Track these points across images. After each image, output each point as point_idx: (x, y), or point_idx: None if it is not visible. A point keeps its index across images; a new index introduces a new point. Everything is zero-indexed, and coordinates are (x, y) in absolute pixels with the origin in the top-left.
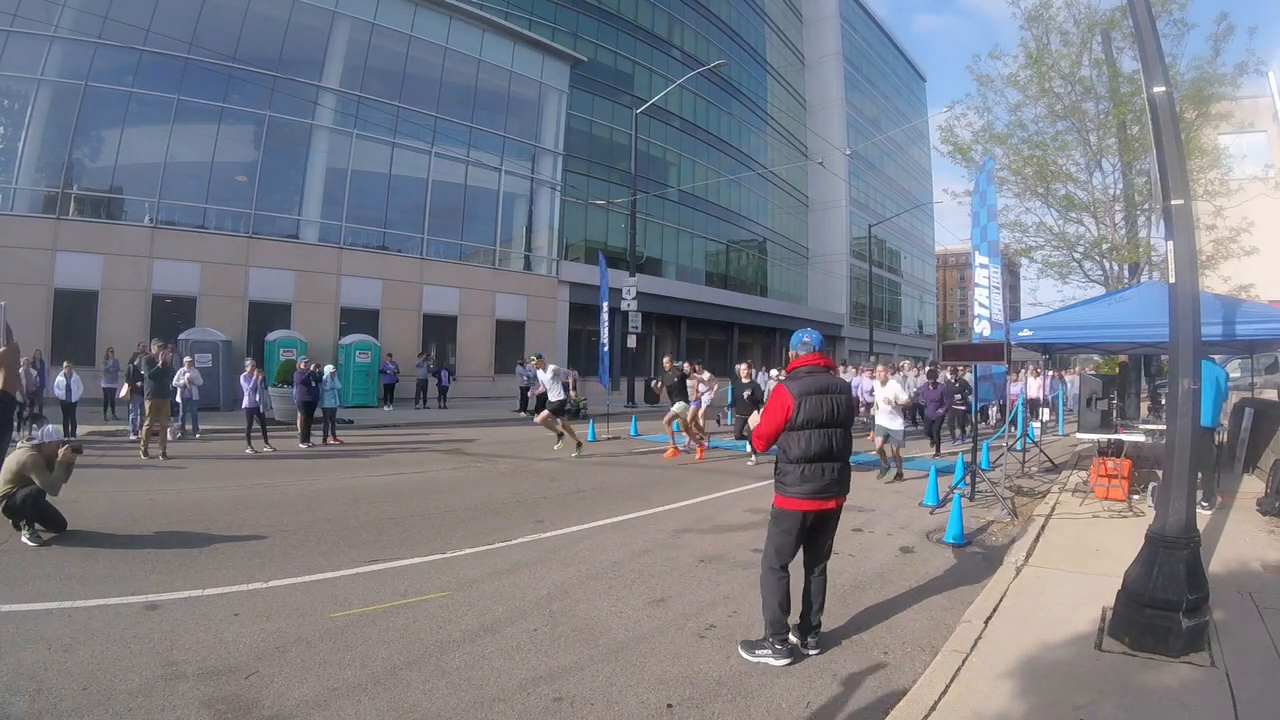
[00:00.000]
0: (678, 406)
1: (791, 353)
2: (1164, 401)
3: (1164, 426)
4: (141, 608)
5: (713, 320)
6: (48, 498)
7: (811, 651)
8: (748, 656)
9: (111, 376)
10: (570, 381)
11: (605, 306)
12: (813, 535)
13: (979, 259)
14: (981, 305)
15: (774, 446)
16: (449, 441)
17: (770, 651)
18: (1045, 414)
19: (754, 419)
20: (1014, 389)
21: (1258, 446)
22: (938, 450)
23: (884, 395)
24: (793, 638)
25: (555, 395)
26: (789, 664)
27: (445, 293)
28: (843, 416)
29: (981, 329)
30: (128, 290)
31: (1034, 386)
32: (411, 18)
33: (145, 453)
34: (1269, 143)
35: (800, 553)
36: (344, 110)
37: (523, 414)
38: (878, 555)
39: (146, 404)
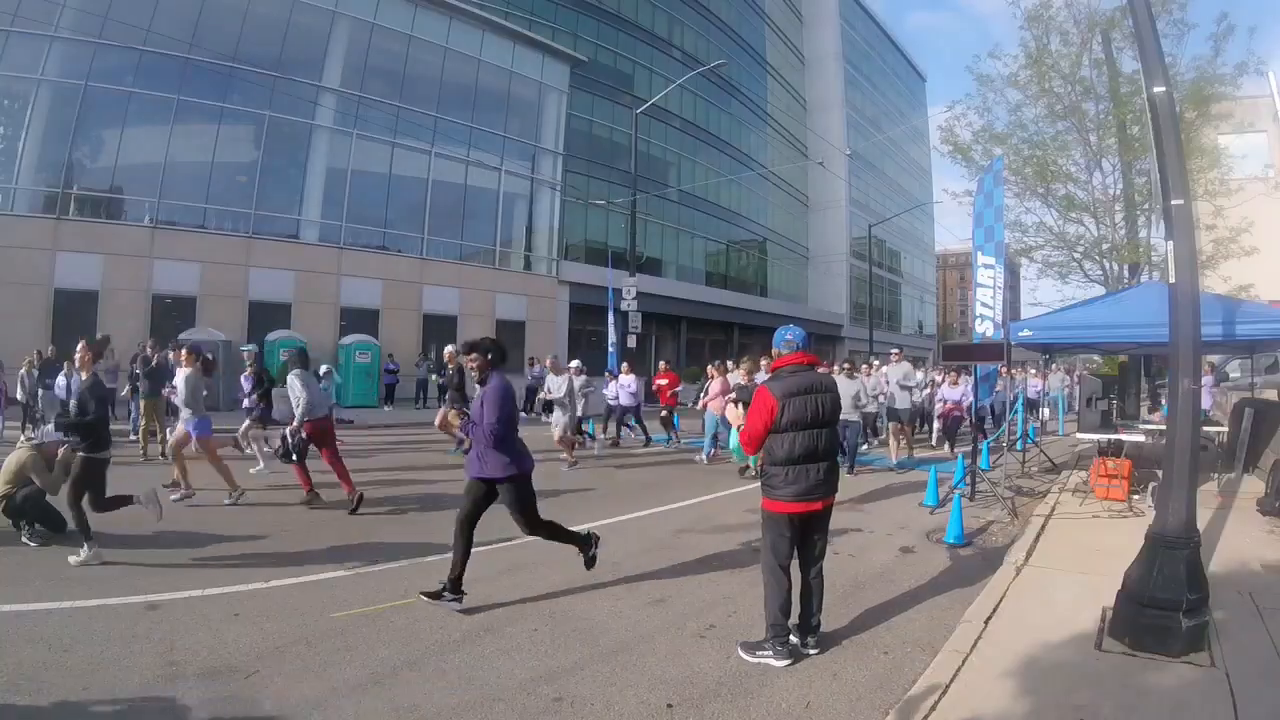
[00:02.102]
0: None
1: (775, 351)
2: (1164, 401)
3: (1164, 426)
4: (141, 608)
5: (713, 320)
6: (48, 497)
7: (811, 651)
8: (748, 657)
9: (111, 376)
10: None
11: (612, 307)
12: (804, 536)
13: (983, 259)
14: (985, 305)
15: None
16: (449, 441)
17: (771, 652)
18: (1045, 414)
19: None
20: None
21: (1258, 447)
22: None
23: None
24: (793, 638)
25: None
26: (789, 664)
27: (445, 293)
28: (828, 416)
29: (984, 329)
30: (128, 290)
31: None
32: (411, 18)
33: (145, 453)
34: (1269, 143)
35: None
36: (344, 110)
37: (523, 415)
38: (878, 555)
39: (142, 404)
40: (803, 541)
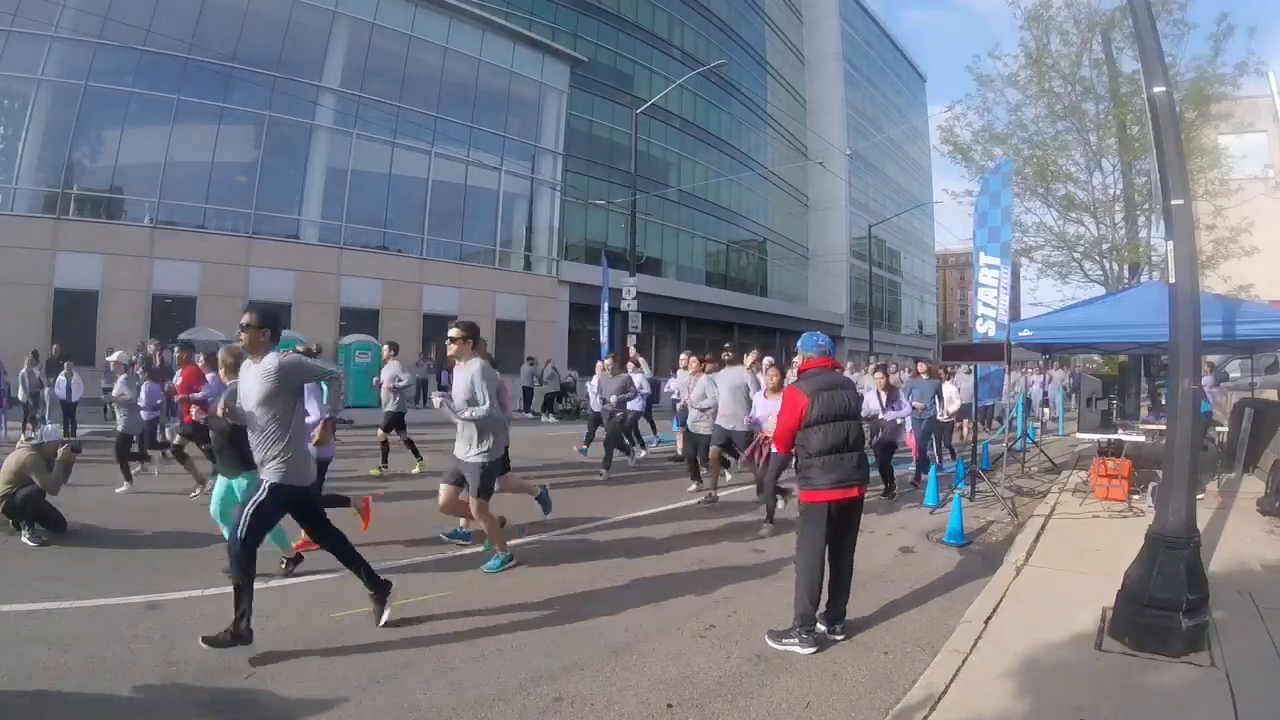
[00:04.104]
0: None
1: (802, 355)
2: (1164, 401)
3: (1164, 426)
4: (141, 608)
5: (713, 320)
6: (48, 497)
7: (839, 638)
8: (774, 645)
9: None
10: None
11: (607, 307)
12: (840, 527)
13: (986, 259)
14: (988, 306)
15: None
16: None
17: (798, 640)
18: (1046, 414)
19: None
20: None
21: (1257, 447)
22: None
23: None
24: (820, 626)
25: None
26: (814, 652)
27: (445, 293)
28: (853, 410)
29: (986, 329)
30: (128, 290)
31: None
32: (411, 18)
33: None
34: (1269, 143)
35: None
36: (344, 110)
37: (528, 414)
38: (877, 555)
39: None
40: (838, 532)
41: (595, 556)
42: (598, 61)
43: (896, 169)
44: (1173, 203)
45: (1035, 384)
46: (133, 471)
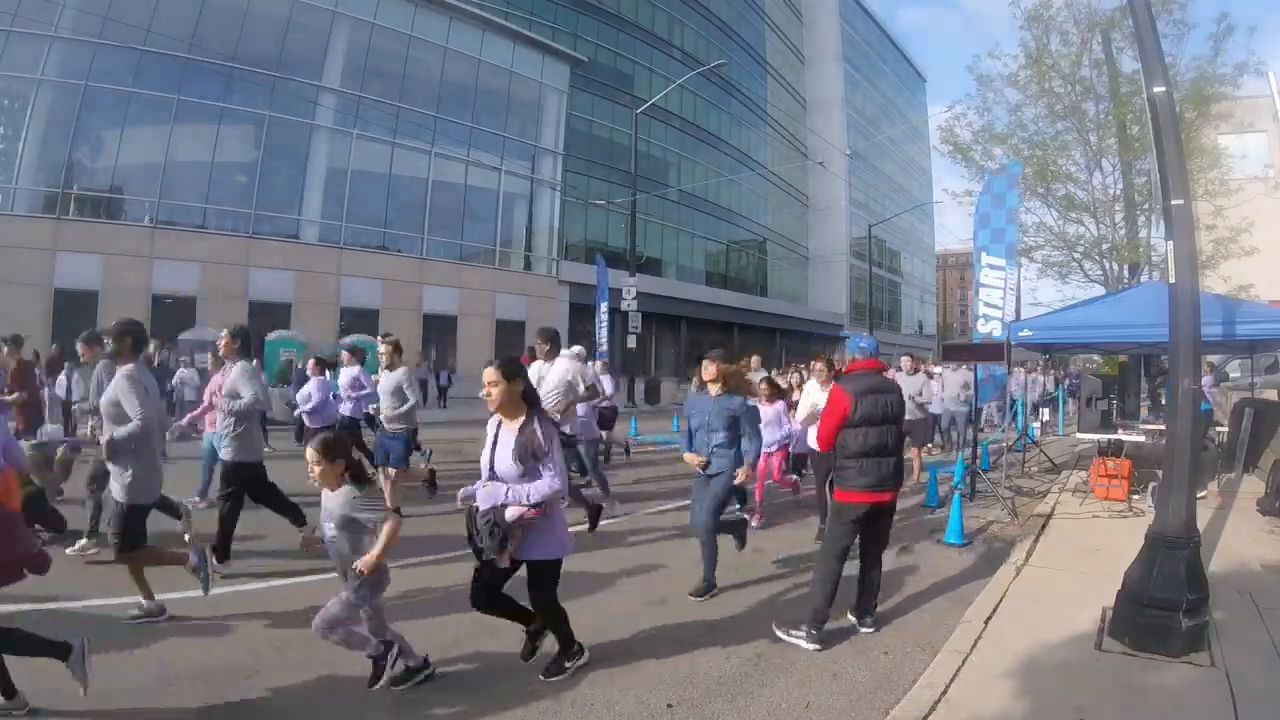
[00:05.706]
0: None
1: (850, 357)
2: (1164, 401)
3: (1164, 426)
4: (140, 609)
5: (713, 320)
6: (47, 497)
7: (866, 630)
8: (780, 634)
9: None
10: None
11: (605, 306)
12: (870, 529)
13: (989, 260)
14: (993, 306)
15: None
16: (448, 441)
17: (804, 635)
18: (1045, 414)
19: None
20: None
21: (1258, 447)
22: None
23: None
24: (850, 616)
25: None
26: (818, 650)
27: (445, 293)
28: (895, 415)
29: (990, 329)
30: (128, 290)
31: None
32: (411, 18)
33: None
34: (1269, 143)
35: (857, 546)
36: (344, 110)
37: None
38: None
39: None
40: (870, 533)
41: (596, 556)
42: (598, 61)
43: (896, 169)
44: (1173, 203)
45: (1016, 388)
46: None
